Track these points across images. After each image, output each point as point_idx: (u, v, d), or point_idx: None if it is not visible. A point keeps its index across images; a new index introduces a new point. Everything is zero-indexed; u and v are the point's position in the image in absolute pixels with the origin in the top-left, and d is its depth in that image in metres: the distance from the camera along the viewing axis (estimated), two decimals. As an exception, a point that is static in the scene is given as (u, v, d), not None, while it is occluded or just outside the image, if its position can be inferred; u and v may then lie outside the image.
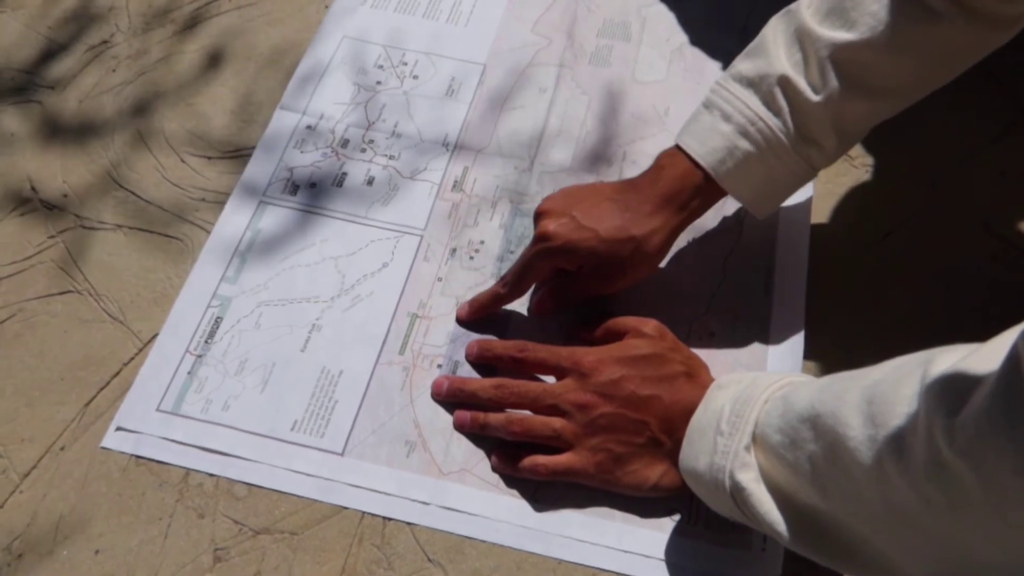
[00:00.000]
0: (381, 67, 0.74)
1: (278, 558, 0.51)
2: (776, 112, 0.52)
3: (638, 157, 0.68)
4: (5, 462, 0.56)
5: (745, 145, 0.52)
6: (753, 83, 0.52)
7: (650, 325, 0.54)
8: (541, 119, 0.70)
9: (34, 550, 0.52)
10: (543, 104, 0.71)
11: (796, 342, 0.58)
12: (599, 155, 0.68)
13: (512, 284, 0.57)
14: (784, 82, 0.51)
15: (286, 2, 0.80)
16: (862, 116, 0.53)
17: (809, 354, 0.58)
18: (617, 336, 0.54)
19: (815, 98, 0.51)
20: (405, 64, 0.75)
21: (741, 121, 0.52)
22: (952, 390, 0.32)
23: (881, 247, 0.63)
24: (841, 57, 0.50)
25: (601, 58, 0.74)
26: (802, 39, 0.51)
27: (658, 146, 0.67)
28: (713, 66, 0.73)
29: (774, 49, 0.52)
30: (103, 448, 0.56)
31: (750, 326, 0.59)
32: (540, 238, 0.55)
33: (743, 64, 0.53)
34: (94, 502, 0.54)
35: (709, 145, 0.53)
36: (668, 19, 0.77)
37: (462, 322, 0.60)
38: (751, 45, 0.54)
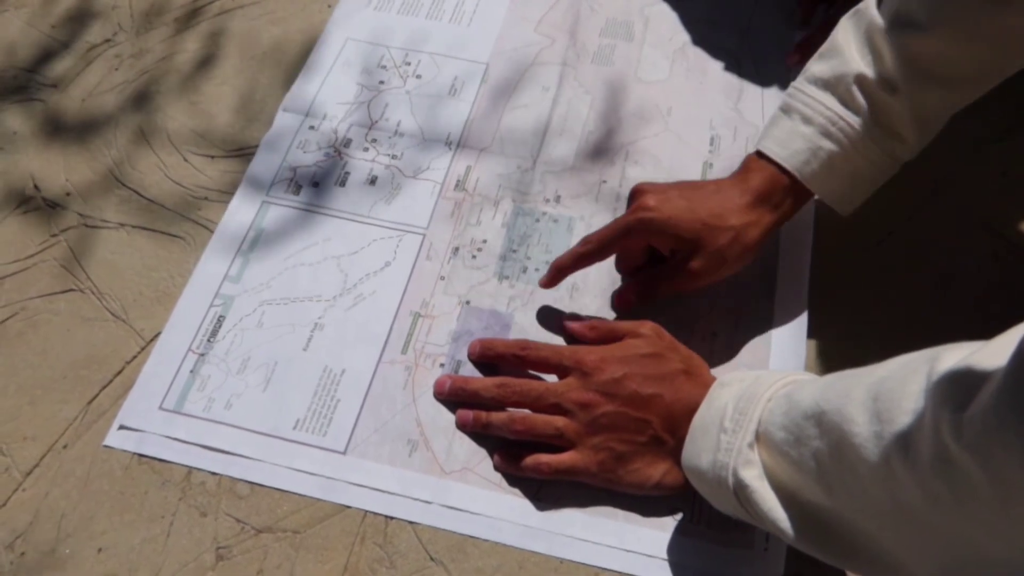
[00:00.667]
0: (384, 67, 0.75)
1: (280, 557, 0.52)
2: (856, 111, 0.52)
3: (640, 156, 0.68)
4: (8, 460, 0.56)
5: (828, 145, 0.53)
6: (829, 84, 0.53)
7: (647, 326, 0.54)
8: (544, 118, 0.70)
9: (36, 548, 0.52)
10: (546, 103, 0.71)
11: (798, 342, 0.58)
12: (602, 154, 0.68)
13: (597, 245, 0.56)
14: (861, 80, 0.52)
15: (289, 1, 0.80)
16: (940, 106, 0.53)
17: (811, 354, 0.58)
18: (614, 338, 0.54)
19: (892, 93, 0.51)
20: (408, 64, 0.75)
21: (822, 122, 0.53)
22: (959, 386, 0.32)
23: (883, 247, 0.63)
24: (913, 51, 0.50)
25: (604, 57, 0.74)
26: (873, 36, 0.52)
27: (661, 145, 0.68)
28: (715, 66, 0.74)
29: (847, 49, 0.53)
30: (105, 446, 0.56)
31: (752, 326, 0.59)
32: (641, 208, 0.54)
33: (817, 67, 0.54)
34: (96, 500, 0.54)
35: (791, 148, 0.54)
36: (671, 19, 0.77)
37: (547, 287, 0.58)
38: (823, 48, 0.55)
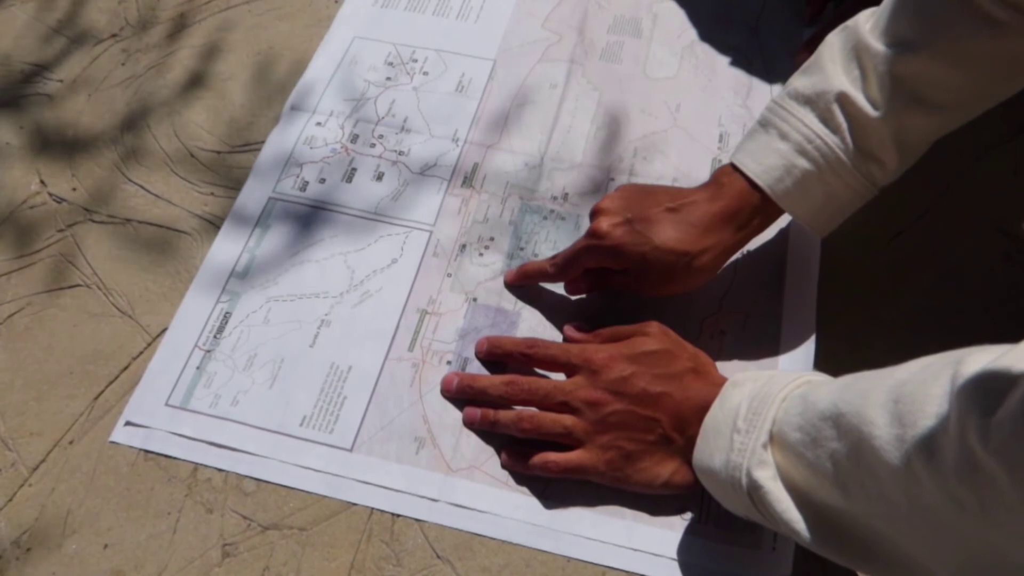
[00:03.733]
0: (391, 64, 0.74)
1: (287, 554, 0.51)
2: (834, 129, 0.51)
3: (649, 153, 0.68)
4: (14, 456, 0.56)
5: (803, 163, 0.51)
6: (810, 100, 0.51)
7: (653, 326, 0.54)
8: (551, 115, 0.70)
9: (42, 544, 0.52)
10: (553, 100, 0.71)
11: (807, 341, 0.58)
12: (609, 151, 0.68)
13: (559, 268, 0.57)
14: (842, 98, 0.50)
15: (295, -3, 0.80)
16: (923, 130, 0.52)
17: (820, 353, 0.58)
18: (619, 340, 0.54)
19: (875, 114, 0.50)
20: (415, 61, 0.74)
21: (798, 139, 0.51)
22: (987, 390, 0.31)
23: (892, 246, 0.63)
24: (901, 71, 0.49)
25: (612, 54, 0.74)
26: (860, 55, 0.50)
27: (669, 142, 0.68)
28: (724, 62, 0.73)
29: (831, 66, 0.51)
30: (112, 442, 0.56)
31: (761, 325, 0.59)
32: (592, 234, 0.55)
33: (799, 81, 0.53)
34: (103, 496, 0.54)
35: (766, 164, 0.52)
36: (679, 15, 0.77)
37: (508, 285, 0.61)
38: (807, 63, 0.53)
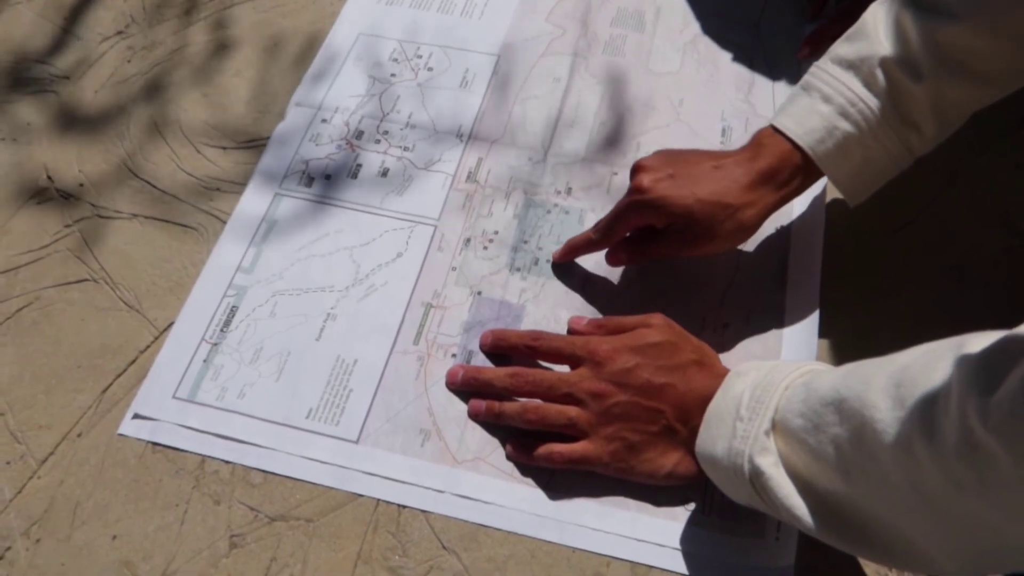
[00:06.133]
0: (396, 60, 0.75)
1: (294, 545, 0.52)
2: (877, 93, 0.52)
3: (651, 147, 0.67)
4: (23, 448, 0.56)
5: (845, 125, 0.52)
6: (853, 65, 0.52)
7: (656, 317, 0.54)
8: (555, 109, 0.70)
9: (52, 535, 0.53)
10: (557, 94, 0.71)
11: (810, 334, 0.58)
12: (612, 145, 0.68)
13: (603, 232, 0.58)
14: (885, 63, 0.51)
15: (300, -7, 0.80)
16: (962, 101, 0.52)
17: (823, 345, 0.58)
18: (623, 332, 0.54)
19: (916, 81, 0.51)
20: (419, 57, 0.75)
21: (841, 102, 0.52)
22: (987, 370, 0.32)
23: (896, 239, 0.63)
24: (943, 41, 0.50)
25: (615, 48, 0.74)
26: (903, 22, 0.51)
27: (672, 137, 0.68)
28: (725, 57, 0.73)
29: (874, 33, 0.52)
30: (120, 435, 0.56)
31: (764, 318, 0.59)
32: (634, 190, 0.55)
33: (842, 48, 0.54)
34: (111, 488, 0.54)
35: (807, 125, 0.53)
36: (682, 10, 0.77)
37: (556, 264, 0.62)
38: (850, 31, 0.54)
